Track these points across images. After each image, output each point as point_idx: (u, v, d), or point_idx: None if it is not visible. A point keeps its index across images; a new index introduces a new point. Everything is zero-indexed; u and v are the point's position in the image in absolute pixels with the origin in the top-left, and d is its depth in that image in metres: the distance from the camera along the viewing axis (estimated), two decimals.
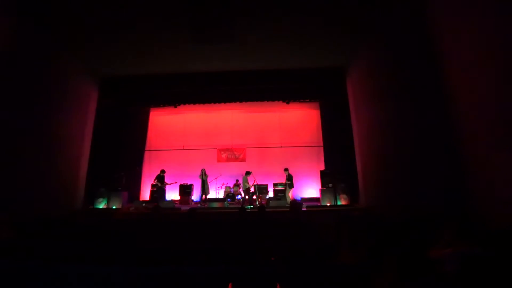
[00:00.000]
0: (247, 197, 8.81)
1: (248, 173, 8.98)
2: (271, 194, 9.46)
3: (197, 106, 10.59)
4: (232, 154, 10.89)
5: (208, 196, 9.43)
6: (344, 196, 8.32)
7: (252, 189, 8.95)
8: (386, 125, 6.34)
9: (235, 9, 5.95)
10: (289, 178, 9.01)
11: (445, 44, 4.39)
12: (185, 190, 9.45)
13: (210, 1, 5.72)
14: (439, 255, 2.14)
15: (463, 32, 4.01)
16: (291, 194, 9.27)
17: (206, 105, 10.43)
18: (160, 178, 9.22)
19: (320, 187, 8.82)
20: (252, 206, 8.35)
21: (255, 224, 4.41)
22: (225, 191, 9.89)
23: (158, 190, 9.13)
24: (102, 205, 8.52)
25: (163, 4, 5.80)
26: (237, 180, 9.90)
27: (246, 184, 8.88)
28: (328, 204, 8.14)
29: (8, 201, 5.35)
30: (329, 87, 9.49)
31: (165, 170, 9.39)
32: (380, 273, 1.82)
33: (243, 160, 10.75)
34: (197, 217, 4.97)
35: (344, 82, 9.11)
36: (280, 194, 9.12)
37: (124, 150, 9.78)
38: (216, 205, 8.65)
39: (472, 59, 3.84)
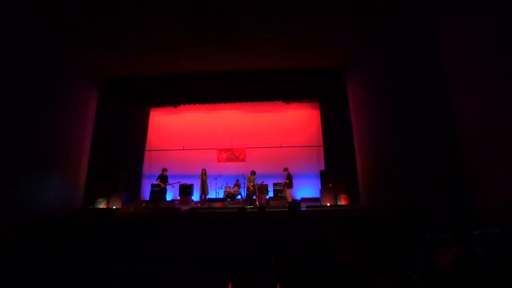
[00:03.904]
0: (254, 196, 8.90)
1: (253, 172, 9.19)
2: (271, 194, 9.46)
3: (197, 106, 10.62)
4: (232, 154, 10.88)
5: (208, 196, 9.44)
6: (344, 196, 8.32)
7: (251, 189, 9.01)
8: (385, 125, 6.34)
9: (236, 10, 5.96)
10: (289, 177, 9.02)
11: (444, 44, 4.40)
12: (185, 190, 9.44)
13: (210, 2, 5.73)
14: (439, 255, 2.14)
15: (463, 32, 4.02)
16: (290, 194, 9.28)
17: (206, 105, 10.47)
18: (163, 178, 9.24)
19: (320, 187, 8.82)
20: (252, 206, 8.36)
21: (255, 224, 4.40)
22: (225, 191, 9.89)
23: (159, 190, 9.15)
24: (102, 205, 8.53)
25: (164, 5, 5.81)
26: (237, 180, 9.90)
27: (254, 183, 9.05)
28: (328, 204, 8.14)
29: (8, 201, 5.36)
30: (329, 87, 9.50)
31: (167, 169, 9.44)
32: (380, 273, 1.82)
33: (243, 160, 10.74)
34: (197, 217, 4.97)
35: (344, 82, 9.11)
36: (280, 194, 9.13)
37: (124, 150, 9.77)
38: (216, 205, 8.65)
39: (472, 59, 3.84)
